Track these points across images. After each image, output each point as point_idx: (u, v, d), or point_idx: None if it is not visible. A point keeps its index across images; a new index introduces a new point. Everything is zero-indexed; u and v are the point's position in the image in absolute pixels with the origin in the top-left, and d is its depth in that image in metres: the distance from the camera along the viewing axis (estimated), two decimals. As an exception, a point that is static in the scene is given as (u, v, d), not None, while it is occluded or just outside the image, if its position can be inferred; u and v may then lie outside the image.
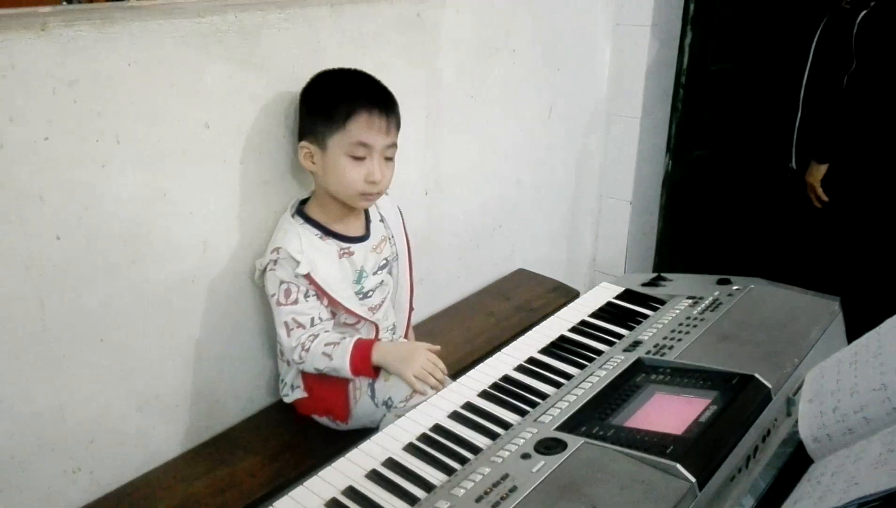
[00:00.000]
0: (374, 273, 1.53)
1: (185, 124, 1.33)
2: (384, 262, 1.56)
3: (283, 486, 1.09)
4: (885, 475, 0.79)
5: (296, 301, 1.40)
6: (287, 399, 1.56)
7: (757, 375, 1.18)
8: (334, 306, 1.45)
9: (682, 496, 0.94)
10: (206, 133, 1.37)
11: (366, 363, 1.41)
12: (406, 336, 1.70)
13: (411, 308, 1.67)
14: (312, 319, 1.42)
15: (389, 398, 1.44)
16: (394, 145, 1.43)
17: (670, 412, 1.14)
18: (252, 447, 1.50)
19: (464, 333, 1.94)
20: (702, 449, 1.01)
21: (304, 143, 1.41)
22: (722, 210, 2.88)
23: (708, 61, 2.57)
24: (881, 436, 0.90)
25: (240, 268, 1.50)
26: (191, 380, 1.48)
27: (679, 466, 0.97)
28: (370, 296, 1.54)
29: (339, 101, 1.37)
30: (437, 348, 1.46)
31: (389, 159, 1.43)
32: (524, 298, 2.14)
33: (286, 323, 1.41)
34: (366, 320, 1.49)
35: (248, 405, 1.61)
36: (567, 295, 2.14)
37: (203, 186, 1.39)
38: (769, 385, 1.17)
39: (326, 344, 1.42)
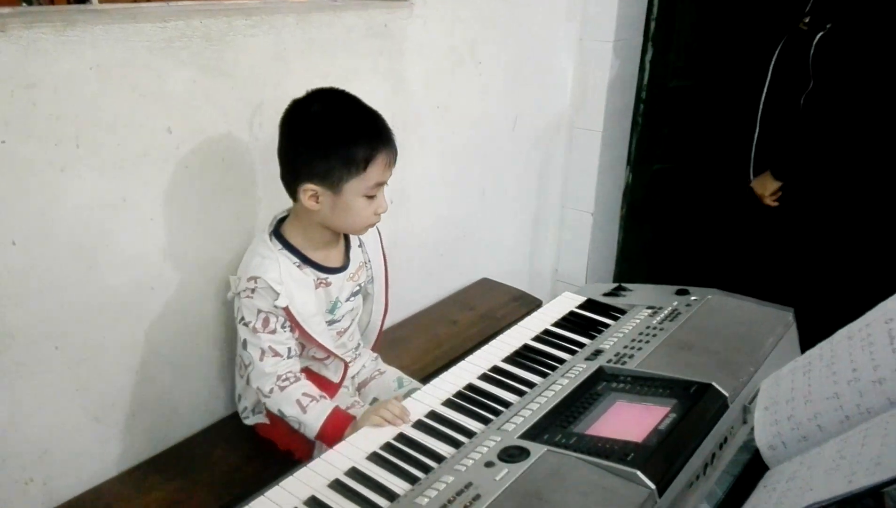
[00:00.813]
0: (347, 300, 1.49)
1: (147, 130, 1.31)
2: (357, 288, 1.52)
3: (241, 497, 1.07)
4: (837, 480, 0.82)
5: (274, 331, 1.35)
6: (247, 422, 1.53)
7: (714, 384, 1.21)
8: (306, 340, 1.40)
9: (642, 502, 0.95)
10: (168, 139, 1.35)
11: (337, 434, 1.30)
12: (377, 350, 1.67)
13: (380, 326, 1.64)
14: (289, 349, 1.38)
15: None
16: None
17: (631, 419, 1.15)
18: (211, 458, 1.48)
19: (427, 341, 1.94)
20: (661, 456, 1.03)
21: (309, 186, 1.31)
22: (680, 222, 2.93)
23: (668, 78, 2.62)
24: (834, 443, 0.93)
25: (200, 277, 1.48)
26: (148, 389, 1.46)
27: (639, 473, 0.98)
28: (339, 321, 1.50)
29: (356, 145, 1.29)
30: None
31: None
32: (487, 307, 2.15)
33: (263, 350, 1.35)
34: (335, 356, 1.45)
35: (207, 415, 1.59)
36: (530, 305, 2.16)
37: (164, 192, 1.37)
38: (726, 394, 1.20)
39: (305, 394, 1.36)
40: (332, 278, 1.44)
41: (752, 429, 1.14)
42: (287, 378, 1.37)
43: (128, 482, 1.42)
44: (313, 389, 1.38)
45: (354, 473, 1.11)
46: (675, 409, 1.15)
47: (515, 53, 2.20)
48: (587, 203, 2.63)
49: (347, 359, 1.51)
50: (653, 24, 2.49)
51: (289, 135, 1.34)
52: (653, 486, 0.97)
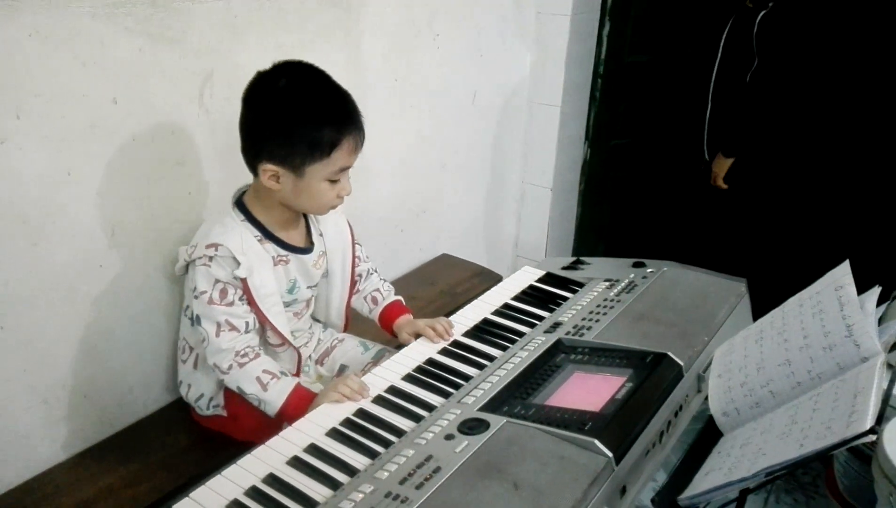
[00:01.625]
0: (309, 287, 1.45)
1: (91, 100, 1.26)
2: (319, 277, 1.48)
3: (198, 478, 1.05)
4: (789, 445, 0.84)
5: (231, 303, 1.29)
6: (202, 413, 1.45)
7: (670, 353, 1.23)
8: (260, 320, 1.34)
9: (600, 470, 0.96)
10: (114, 109, 1.30)
11: (300, 410, 1.26)
12: (346, 329, 1.62)
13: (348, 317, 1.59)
14: (247, 323, 1.31)
15: None
16: None
17: (588, 390, 1.17)
18: (165, 439, 1.45)
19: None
20: (618, 425, 1.04)
21: (269, 166, 1.25)
22: (638, 197, 2.96)
23: (624, 53, 2.63)
24: (786, 409, 0.95)
25: (151, 254, 1.44)
26: (99, 371, 1.42)
27: (597, 442, 0.99)
28: (303, 312, 1.48)
29: (320, 129, 1.23)
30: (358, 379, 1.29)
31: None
32: (448, 282, 2.15)
33: (218, 324, 1.28)
34: (290, 345, 1.39)
35: (161, 395, 1.55)
36: (490, 280, 2.16)
37: (111, 165, 1.32)
38: (681, 363, 1.22)
39: (265, 371, 1.30)
40: (292, 256, 1.38)
41: (707, 398, 1.17)
42: (246, 354, 1.31)
43: (78, 466, 1.38)
44: (274, 365, 1.33)
45: (314, 449, 1.10)
46: (631, 378, 1.17)
47: (474, 26, 2.18)
48: (546, 178, 2.63)
49: (298, 344, 1.46)
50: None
51: (251, 110, 1.27)
52: (610, 454, 0.99)
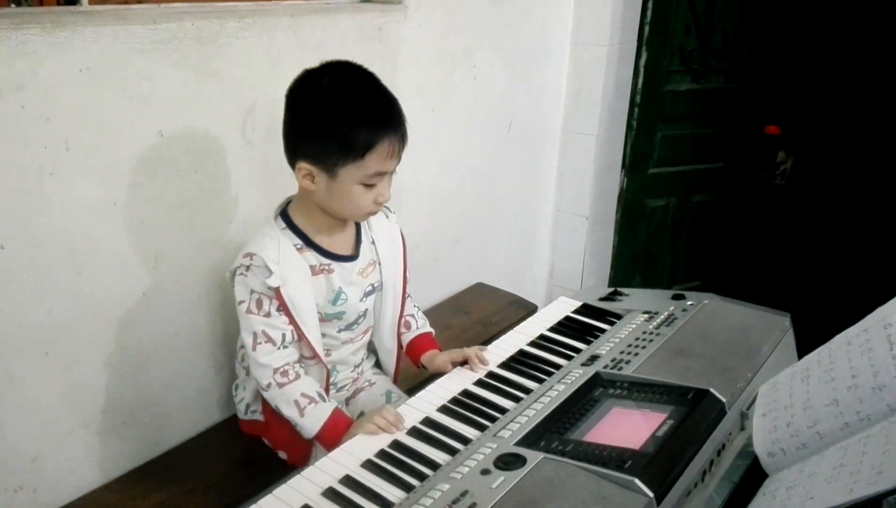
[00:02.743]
0: (361, 300, 1.40)
1: (137, 132, 1.30)
2: (370, 288, 1.42)
3: (233, 505, 1.06)
4: (838, 489, 0.81)
5: (268, 314, 1.28)
6: (241, 416, 1.50)
7: (712, 389, 1.20)
8: (295, 330, 1.31)
9: (641, 510, 0.94)
10: (159, 142, 1.33)
11: (335, 439, 1.26)
12: (395, 381, 1.57)
13: (400, 347, 1.54)
14: (284, 335, 1.30)
15: None
16: (400, 159, 1.30)
17: (628, 426, 1.14)
18: (202, 464, 1.46)
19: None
20: (659, 464, 1.02)
21: (303, 165, 1.24)
22: (676, 227, 2.93)
23: (662, 82, 2.62)
24: (834, 451, 0.92)
25: (193, 281, 1.46)
26: (139, 396, 1.44)
27: (637, 481, 0.97)
28: (353, 328, 1.43)
29: (355, 130, 1.20)
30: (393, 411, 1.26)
31: (393, 172, 1.31)
32: (483, 312, 2.14)
33: (255, 334, 1.28)
34: (320, 359, 1.36)
35: (199, 422, 1.57)
36: (525, 309, 2.15)
37: (156, 196, 1.36)
38: (723, 400, 1.19)
39: (303, 395, 1.29)
40: (335, 265, 1.34)
41: (751, 436, 1.13)
42: (286, 373, 1.30)
43: (118, 489, 1.40)
44: (312, 387, 1.32)
45: (348, 481, 1.09)
46: (672, 415, 1.14)
47: (510, 58, 2.20)
48: (582, 207, 2.62)
49: (341, 379, 1.45)
50: (647, 28, 2.49)
51: (292, 107, 1.26)
52: (651, 494, 0.96)
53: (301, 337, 1.32)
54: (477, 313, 2.13)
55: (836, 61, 2.25)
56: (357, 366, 1.51)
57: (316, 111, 1.23)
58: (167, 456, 1.50)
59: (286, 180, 1.54)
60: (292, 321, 1.30)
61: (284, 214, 1.34)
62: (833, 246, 2.45)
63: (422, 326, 1.57)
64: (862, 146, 2.31)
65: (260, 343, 1.29)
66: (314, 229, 1.33)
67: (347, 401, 1.54)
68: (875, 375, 0.91)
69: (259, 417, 1.45)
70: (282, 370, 1.30)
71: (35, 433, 1.29)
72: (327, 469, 1.12)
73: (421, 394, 1.33)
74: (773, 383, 1.11)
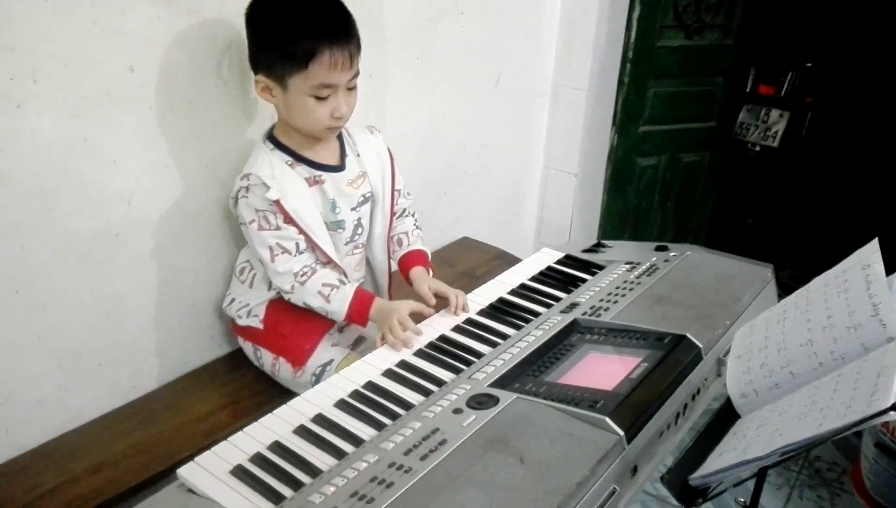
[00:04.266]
0: (352, 209, 1.46)
1: (108, 67, 1.26)
2: (362, 198, 1.48)
3: (208, 447, 1.05)
4: (807, 425, 0.81)
5: (278, 227, 1.34)
6: (240, 322, 1.48)
7: (689, 335, 1.19)
8: (305, 239, 1.38)
9: (610, 448, 0.94)
10: (131, 77, 1.30)
11: (363, 314, 1.38)
12: (390, 297, 1.64)
13: (392, 265, 1.61)
14: (297, 244, 1.36)
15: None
16: (357, 74, 1.33)
17: (602, 369, 1.14)
18: (179, 407, 1.45)
19: (405, 296, 1.91)
20: (631, 404, 1.01)
21: (259, 76, 1.31)
22: (666, 185, 2.91)
23: (655, 37, 2.57)
24: (806, 390, 0.91)
25: (168, 222, 1.44)
26: (115, 338, 1.42)
27: (608, 419, 0.97)
28: (356, 240, 1.49)
29: (297, 38, 1.24)
30: (422, 306, 1.40)
31: (353, 89, 1.35)
32: (468, 265, 2.12)
33: (270, 247, 1.35)
34: (335, 263, 1.42)
35: (178, 365, 1.55)
36: (511, 263, 2.10)
37: (128, 133, 1.32)
38: (700, 345, 1.18)
39: (324, 284, 1.38)
40: (325, 175, 1.41)
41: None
42: (304, 273, 1.37)
43: (91, 431, 1.39)
44: (330, 276, 1.39)
45: (320, 419, 1.09)
46: (647, 359, 1.14)
47: (499, 8, 2.14)
48: (571, 164, 2.59)
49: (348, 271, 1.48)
50: (640, -19, 2.43)
51: (247, 22, 1.32)
52: (621, 432, 0.96)
53: (312, 245, 1.39)
54: (462, 265, 2.12)
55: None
56: (359, 283, 1.53)
57: (264, 23, 1.29)
58: (143, 400, 1.49)
59: (261, 121, 1.52)
60: (300, 231, 1.36)
61: (271, 136, 1.40)
62: (828, 206, 2.44)
63: (413, 242, 1.60)
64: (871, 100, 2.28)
65: (277, 254, 1.36)
66: (299, 145, 1.39)
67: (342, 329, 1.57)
68: (850, 314, 0.90)
69: (258, 324, 1.46)
70: (301, 272, 1.38)
71: (6, 373, 1.27)
72: (300, 409, 1.12)
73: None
74: (750, 326, 1.10)
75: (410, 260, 1.56)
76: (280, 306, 1.45)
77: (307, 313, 1.42)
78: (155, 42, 1.32)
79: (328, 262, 1.43)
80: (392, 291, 1.65)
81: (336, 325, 1.49)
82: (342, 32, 1.28)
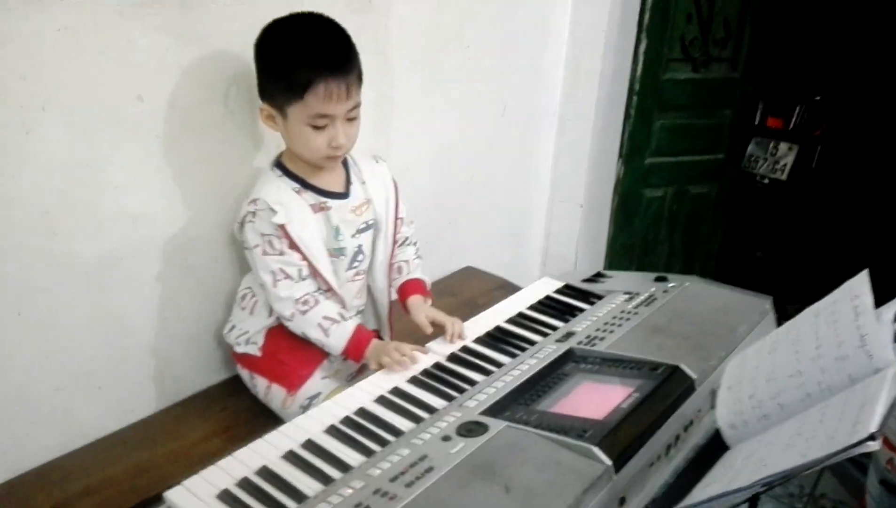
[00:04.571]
0: (353, 236, 1.47)
1: (116, 95, 1.29)
2: (364, 225, 1.49)
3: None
4: (792, 456, 0.80)
5: (282, 252, 1.36)
6: (237, 349, 1.49)
7: (682, 366, 1.18)
8: (307, 266, 1.39)
9: (597, 477, 0.93)
10: (139, 106, 1.33)
11: (359, 352, 1.38)
12: (391, 335, 1.64)
13: (391, 302, 1.61)
14: (300, 270, 1.38)
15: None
16: (357, 106, 1.36)
17: (594, 399, 1.13)
18: (176, 432, 1.46)
19: (407, 325, 1.91)
20: (620, 434, 1.01)
21: (263, 105, 1.35)
22: (673, 218, 2.91)
23: (661, 70, 2.60)
24: (794, 421, 0.91)
25: (171, 248, 1.46)
26: (115, 361, 1.44)
27: (595, 449, 0.96)
28: (356, 266, 1.49)
29: (294, 68, 1.27)
30: (419, 348, 1.37)
31: (353, 119, 1.37)
32: (470, 294, 2.13)
33: (273, 272, 1.36)
34: (335, 292, 1.44)
35: (176, 390, 1.56)
36: (513, 293, 2.12)
37: (134, 159, 1.35)
38: (693, 376, 1.17)
39: (325, 317, 1.38)
40: (331, 202, 1.42)
41: (718, 413, 1.12)
42: (307, 302, 1.38)
43: (91, 453, 1.39)
44: (332, 309, 1.40)
45: (310, 445, 1.09)
46: (639, 389, 1.13)
47: (505, 39, 2.18)
48: (577, 195, 2.60)
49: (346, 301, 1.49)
50: (647, 15, 2.47)
51: (256, 52, 1.35)
52: (609, 462, 0.95)
53: (314, 273, 1.40)
54: (464, 295, 2.12)
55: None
56: (360, 312, 1.56)
57: (268, 52, 1.33)
58: (142, 424, 1.49)
59: (267, 150, 1.55)
60: (304, 257, 1.38)
61: (279, 163, 1.43)
62: (838, 240, 2.42)
63: (413, 271, 1.60)
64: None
65: (279, 280, 1.37)
66: (305, 172, 1.41)
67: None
68: (839, 345, 0.90)
69: (256, 352, 1.47)
70: (303, 299, 1.38)
71: (6, 394, 1.29)
72: (290, 434, 1.12)
73: (392, 367, 1.32)
74: (742, 357, 1.10)
75: (409, 288, 1.57)
76: (279, 333, 1.46)
77: (305, 341, 1.43)
78: (163, 72, 1.35)
79: (328, 290, 1.44)
80: (393, 319, 1.65)
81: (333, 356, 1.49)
82: (340, 64, 1.30)
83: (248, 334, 1.48)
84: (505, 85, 2.25)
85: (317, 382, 1.45)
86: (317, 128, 1.32)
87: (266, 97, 1.35)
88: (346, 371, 1.55)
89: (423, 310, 1.49)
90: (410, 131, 1.97)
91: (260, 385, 1.49)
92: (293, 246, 1.36)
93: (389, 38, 1.79)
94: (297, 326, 1.40)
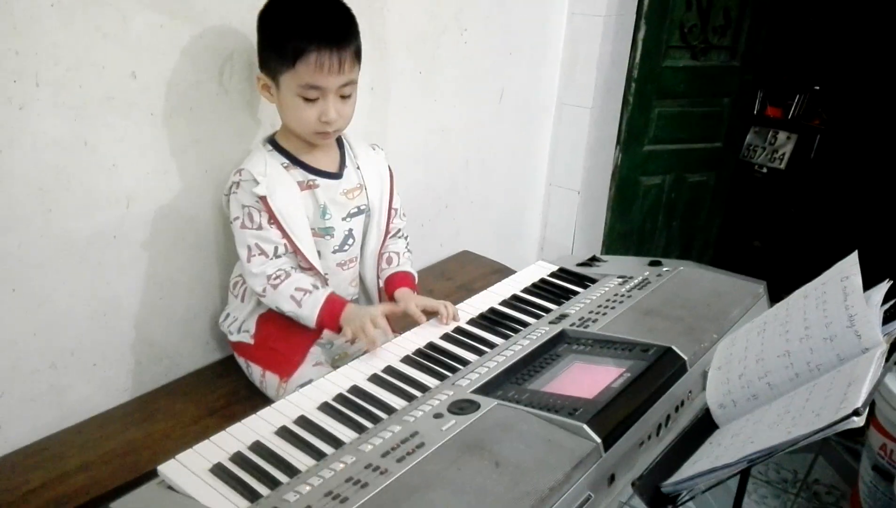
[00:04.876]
0: (343, 219, 1.46)
1: (110, 72, 1.29)
2: (356, 209, 1.48)
3: (199, 446, 1.06)
4: (778, 433, 0.80)
5: (260, 226, 1.35)
6: (231, 338, 1.50)
7: (674, 347, 1.19)
8: (287, 241, 1.38)
9: (586, 455, 0.94)
10: (132, 83, 1.33)
11: (334, 319, 1.37)
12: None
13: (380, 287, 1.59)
14: (276, 247, 1.37)
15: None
16: (351, 83, 1.34)
17: (586, 379, 1.14)
18: (172, 409, 1.46)
19: (400, 319, 1.91)
20: (610, 413, 1.02)
21: (260, 74, 1.35)
22: (670, 205, 2.91)
23: (660, 57, 2.59)
24: (781, 401, 0.91)
25: (166, 226, 1.46)
26: (110, 339, 1.44)
27: (585, 427, 0.97)
28: (346, 250, 1.48)
29: (288, 36, 1.27)
30: (394, 307, 1.43)
31: (347, 97, 1.36)
32: (465, 278, 2.13)
33: (249, 247, 1.36)
34: (317, 271, 1.42)
35: (172, 368, 1.57)
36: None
37: (128, 138, 1.35)
38: (685, 357, 1.18)
39: (297, 289, 1.37)
40: (320, 180, 1.42)
41: (708, 393, 1.12)
42: (278, 276, 1.37)
43: (86, 430, 1.40)
44: (305, 281, 1.39)
45: (303, 421, 1.10)
46: (630, 369, 1.14)
47: (502, 23, 2.17)
48: (574, 181, 2.60)
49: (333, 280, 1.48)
50: (646, 2, 2.46)
51: (258, 20, 1.35)
52: (598, 440, 0.96)
53: (295, 249, 1.39)
54: (459, 279, 2.13)
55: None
56: (353, 300, 1.54)
57: (268, 21, 1.33)
58: (136, 402, 1.50)
59: (263, 130, 1.55)
60: (283, 233, 1.37)
61: (272, 140, 1.43)
62: (836, 230, 2.43)
63: (402, 264, 1.59)
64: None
65: (254, 255, 1.37)
66: (297, 149, 1.41)
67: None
68: (827, 326, 0.90)
69: (249, 339, 1.47)
70: (274, 275, 1.38)
71: (0, 370, 1.29)
72: (283, 410, 1.13)
73: (386, 345, 1.33)
74: (732, 338, 1.10)
75: (397, 281, 1.55)
76: (270, 318, 1.45)
77: (296, 325, 1.42)
78: (157, 49, 1.35)
79: (309, 268, 1.43)
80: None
81: (323, 337, 1.48)
82: (334, 36, 1.29)
83: (240, 321, 1.48)
84: (503, 70, 2.24)
85: (308, 369, 1.43)
86: (308, 100, 1.31)
87: (263, 66, 1.35)
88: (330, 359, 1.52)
89: (412, 300, 1.47)
90: (407, 116, 1.97)
91: (255, 374, 1.48)
92: (273, 220, 1.36)
93: (386, 22, 1.79)
94: (270, 300, 1.39)
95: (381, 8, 1.76)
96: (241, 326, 1.48)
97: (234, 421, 1.39)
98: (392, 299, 1.53)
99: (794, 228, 3.20)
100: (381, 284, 1.58)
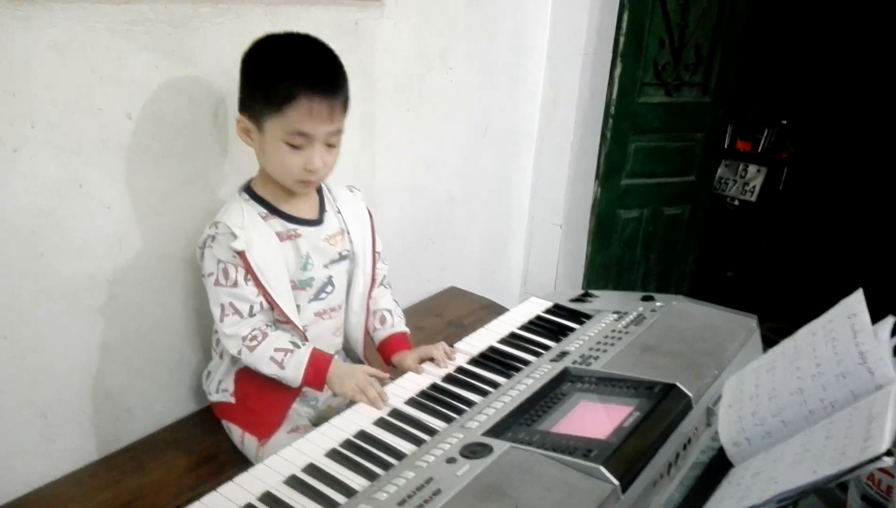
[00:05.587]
0: (325, 266, 1.40)
1: (105, 114, 1.28)
2: (338, 256, 1.43)
3: (195, 499, 1.03)
4: (802, 472, 0.81)
5: (235, 283, 1.29)
6: (211, 398, 1.45)
7: (678, 384, 1.20)
8: (264, 297, 1.32)
9: (605, 498, 0.93)
10: (127, 124, 1.31)
11: (319, 378, 1.31)
12: (365, 354, 1.56)
13: (367, 332, 1.55)
14: (251, 307, 1.31)
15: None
16: (339, 132, 1.31)
17: (595, 418, 1.14)
18: (164, 459, 1.42)
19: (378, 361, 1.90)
20: (625, 453, 1.01)
21: (240, 117, 1.29)
22: (649, 237, 2.95)
23: (636, 94, 2.65)
24: (798, 438, 0.92)
25: (158, 270, 1.43)
26: (100, 387, 1.40)
27: (603, 469, 0.96)
28: (322, 298, 1.42)
29: (278, 80, 1.22)
30: (378, 372, 1.34)
31: (332, 146, 1.31)
32: (455, 314, 2.13)
33: (222, 306, 1.30)
34: (295, 326, 1.36)
35: (163, 415, 1.53)
36: (498, 313, 2.11)
37: (122, 179, 1.33)
38: (690, 394, 1.19)
39: (276, 349, 1.31)
40: (301, 229, 1.36)
41: (717, 432, 1.13)
42: (254, 338, 1.31)
43: (75, 482, 1.35)
44: (283, 339, 1.32)
45: (312, 469, 1.07)
46: (638, 408, 1.14)
47: (486, 60, 2.21)
48: (557, 215, 2.63)
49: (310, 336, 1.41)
50: (622, 41, 2.52)
51: (241, 61, 1.31)
52: (616, 482, 0.96)
53: (272, 304, 1.33)
54: (449, 315, 2.12)
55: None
56: (337, 352, 1.50)
57: (255, 63, 1.29)
58: (127, 451, 1.46)
59: (234, 178, 1.53)
60: (260, 288, 1.31)
61: (248, 188, 1.37)
62: (807, 260, 2.50)
63: (397, 324, 1.55)
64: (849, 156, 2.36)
65: (227, 315, 1.31)
66: (275, 197, 1.36)
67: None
68: (839, 363, 0.92)
69: (230, 399, 1.42)
70: (250, 335, 1.32)
71: (-12, 420, 1.25)
72: (291, 458, 1.10)
73: (390, 387, 1.31)
74: (740, 375, 1.12)
75: (394, 343, 1.52)
76: (247, 375, 1.39)
77: (274, 384, 1.35)
78: (152, 90, 1.34)
79: (286, 322, 1.36)
80: (367, 353, 1.58)
81: (307, 394, 1.43)
82: (326, 83, 1.26)
83: (218, 380, 1.43)
84: (486, 107, 2.27)
85: (283, 437, 1.35)
86: (293, 147, 1.26)
87: (245, 109, 1.30)
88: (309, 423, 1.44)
89: (408, 357, 1.42)
90: (394, 152, 1.98)
91: (235, 435, 1.43)
92: (251, 275, 1.30)
93: (375, 60, 1.80)
94: (248, 362, 1.33)
95: (370, 46, 1.78)
96: (220, 384, 1.43)
97: (228, 469, 1.37)
98: (388, 362, 1.49)
99: (765, 258, 3.28)
100: (375, 343, 1.54)
